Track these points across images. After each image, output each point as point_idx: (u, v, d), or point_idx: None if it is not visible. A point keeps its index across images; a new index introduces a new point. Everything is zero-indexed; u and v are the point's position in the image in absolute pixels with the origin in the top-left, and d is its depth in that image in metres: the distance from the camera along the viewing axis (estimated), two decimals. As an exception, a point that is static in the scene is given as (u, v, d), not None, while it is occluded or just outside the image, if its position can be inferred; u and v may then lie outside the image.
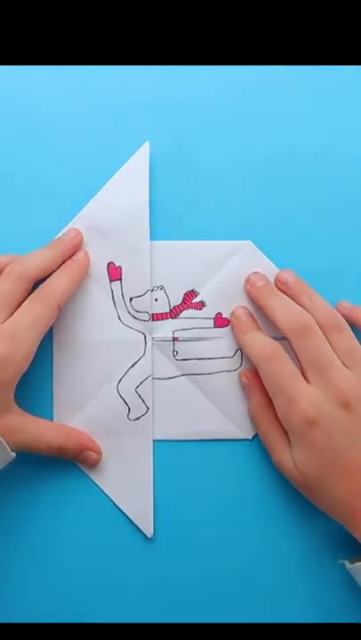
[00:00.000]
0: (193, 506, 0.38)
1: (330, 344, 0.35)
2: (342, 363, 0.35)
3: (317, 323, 0.35)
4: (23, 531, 0.38)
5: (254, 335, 0.37)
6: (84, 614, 0.38)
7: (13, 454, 0.34)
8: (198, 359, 0.38)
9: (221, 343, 0.38)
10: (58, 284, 0.36)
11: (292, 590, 0.38)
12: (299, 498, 0.36)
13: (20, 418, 0.36)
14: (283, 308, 0.36)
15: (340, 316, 0.36)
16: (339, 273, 0.39)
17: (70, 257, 0.37)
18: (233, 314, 0.38)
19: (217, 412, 0.38)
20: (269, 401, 0.36)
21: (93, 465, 0.38)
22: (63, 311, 0.37)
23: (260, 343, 0.36)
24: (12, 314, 0.35)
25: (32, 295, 0.35)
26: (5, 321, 0.34)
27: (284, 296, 0.37)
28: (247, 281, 0.38)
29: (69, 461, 0.38)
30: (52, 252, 0.37)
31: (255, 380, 0.37)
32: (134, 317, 0.38)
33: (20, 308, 0.35)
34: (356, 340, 0.36)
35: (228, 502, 0.38)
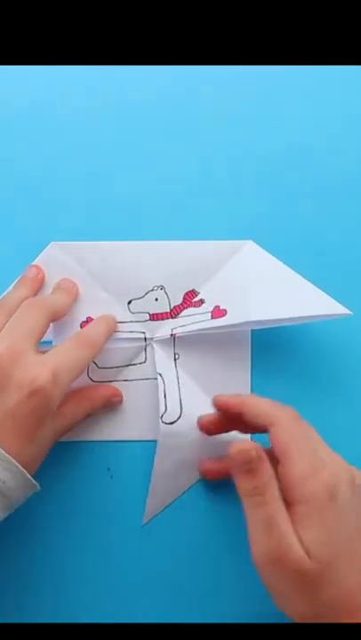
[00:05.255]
0: (193, 506, 0.38)
1: None
2: None
3: None
4: (22, 531, 0.38)
5: (261, 399, 0.34)
6: (84, 614, 0.38)
7: (38, 487, 0.33)
8: (198, 359, 0.38)
9: (219, 335, 0.38)
10: (98, 335, 0.36)
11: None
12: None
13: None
14: (267, 403, 0.33)
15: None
16: (339, 273, 0.39)
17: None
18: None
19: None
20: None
21: (118, 406, 0.38)
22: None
23: (278, 404, 0.33)
24: (39, 342, 0.34)
25: (74, 339, 0.35)
26: (39, 349, 0.33)
27: None
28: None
29: (67, 461, 0.38)
30: (67, 296, 0.37)
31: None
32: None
33: (63, 346, 0.34)
34: None
35: (227, 502, 0.38)
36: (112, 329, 0.38)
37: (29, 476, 0.32)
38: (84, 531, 0.38)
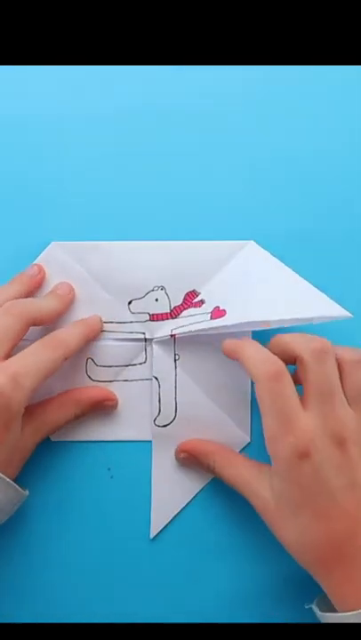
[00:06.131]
0: (193, 506, 0.38)
1: (344, 377, 0.33)
2: (347, 400, 0.33)
3: (338, 353, 0.33)
4: (22, 531, 0.38)
5: (258, 347, 0.34)
6: (85, 614, 0.38)
7: (27, 493, 0.35)
8: (199, 360, 0.38)
9: (220, 336, 0.37)
10: (70, 336, 0.36)
11: (293, 590, 0.38)
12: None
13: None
14: (299, 335, 0.34)
15: None
16: (340, 274, 0.39)
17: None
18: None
19: (218, 411, 0.38)
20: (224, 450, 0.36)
21: (112, 410, 0.38)
22: (64, 314, 0.38)
23: (265, 357, 0.33)
24: (13, 348, 0.34)
25: (42, 340, 0.35)
26: (7, 357, 0.34)
27: None
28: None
29: (66, 461, 0.38)
30: (58, 301, 0.37)
31: (196, 449, 0.37)
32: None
33: (28, 349, 0.34)
34: None
35: (227, 501, 0.38)
36: (93, 330, 0.37)
37: (2, 476, 0.33)
38: (85, 531, 0.38)
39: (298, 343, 0.33)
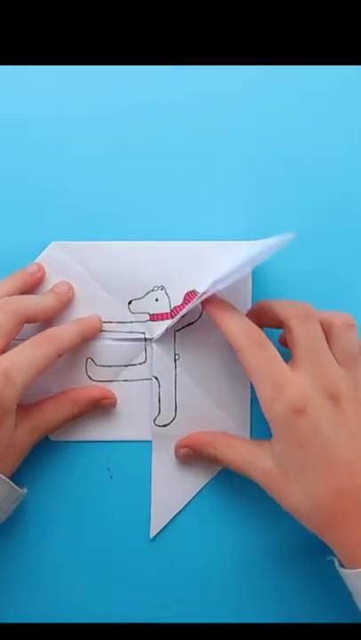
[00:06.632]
0: (193, 505, 0.38)
1: (333, 339, 0.34)
2: (336, 360, 0.33)
3: (326, 317, 0.34)
4: (21, 531, 0.38)
5: (239, 318, 0.34)
6: (84, 614, 0.38)
7: (24, 491, 0.35)
8: (199, 360, 0.38)
9: (220, 336, 0.36)
10: (64, 333, 0.36)
11: (294, 590, 0.38)
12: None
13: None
14: (283, 299, 0.35)
15: (351, 316, 0.34)
16: (340, 274, 0.39)
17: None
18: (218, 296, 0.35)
19: (218, 411, 0.38)
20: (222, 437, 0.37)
21: (111, 409, 0.38)
22: (61, 312, 0.38)
23: (246, 327, 0.33)
24: (6, 345, 0.34)
25: (35, 337, 0.35)
26: (0, 353, 0.34)
27: None
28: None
29: (66, 461, 0.38)
30: (55, 298, 0.37)
31: (197, 441, 0.37)
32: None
33: (21, 345, 0.34)
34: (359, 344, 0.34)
35: (227, 501, 0.38)
36: (91, 327, 0.37)
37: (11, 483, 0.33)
38: (84, 531, 0.38)
39: (282, 306, 0.34)
